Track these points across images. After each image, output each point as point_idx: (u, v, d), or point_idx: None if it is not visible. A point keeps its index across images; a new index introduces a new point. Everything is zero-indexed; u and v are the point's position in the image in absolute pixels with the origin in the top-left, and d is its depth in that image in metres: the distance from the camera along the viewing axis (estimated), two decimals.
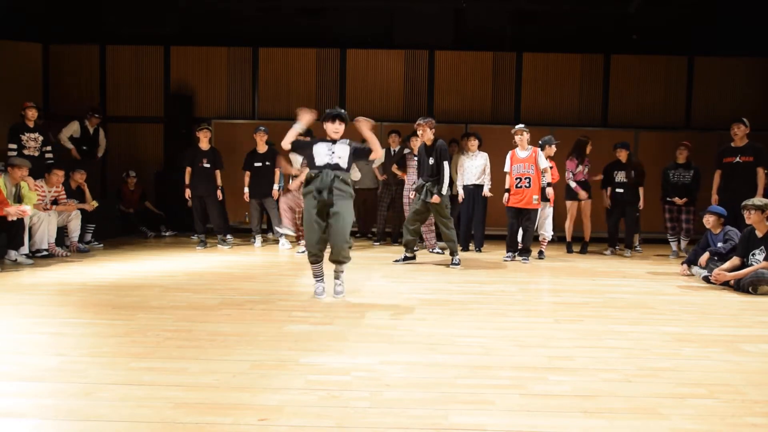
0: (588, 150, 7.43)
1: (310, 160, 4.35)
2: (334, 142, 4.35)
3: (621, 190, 7.31)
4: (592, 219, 7.67)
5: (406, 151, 7.70)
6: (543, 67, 9.61)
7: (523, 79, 9.62)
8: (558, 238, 9.08)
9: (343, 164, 4.31)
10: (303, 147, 4.46)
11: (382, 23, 9.45)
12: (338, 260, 4.35)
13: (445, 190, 6.01)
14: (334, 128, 4.34)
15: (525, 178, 6.56)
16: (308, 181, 4.28)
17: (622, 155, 7.35)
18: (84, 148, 8.23)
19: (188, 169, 7.42)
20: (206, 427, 2.12)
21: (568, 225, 7.66)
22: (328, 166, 4.24)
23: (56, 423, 2.14)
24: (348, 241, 4.30)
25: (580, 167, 7.43)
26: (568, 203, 7.55)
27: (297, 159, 6.84)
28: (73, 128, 8.17)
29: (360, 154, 4.44)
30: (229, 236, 7.74)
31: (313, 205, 4.20)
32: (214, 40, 9.68)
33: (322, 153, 4.30)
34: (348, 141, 4.42)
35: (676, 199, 7.43)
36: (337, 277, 4.49)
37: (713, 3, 8.85)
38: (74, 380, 2.56)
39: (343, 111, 4.38)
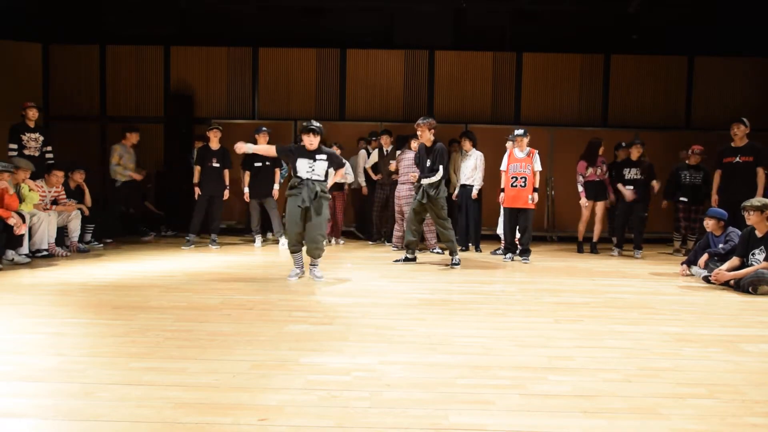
0: (600, 152, 7.41)
1: (293, 170, 5.13)
2: (313, 158, 5.08)
3: (631, 187, 7.25)
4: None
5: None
6: (543, 67, 9.60)
7: (523, 79, 9.61)
8: (559, 238, 9.09)
9: (321, 177, 5.13)
10: (288, 156, 5.22)
11: (382, 23, 9.43)
12: (313, 254, 5.11)
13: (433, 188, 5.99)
14: (309, 140, 5.07)
15: (520, 178, 6.60)
16: (292, 186, 5.07)
17: (634, 153, 7.29)
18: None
19: (197, 168, 7.43)
20: (206, 427, 2.12)
21: (581, 226, 7.63)
22: (309, 180, 5.03)
23: (56, 423, 2.14)
24: (323, 235, 5.14)
25: (591, 169, 7.41)
26: (583, 203, 7.47)
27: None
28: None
29: (333, 163, 5.27)
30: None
31: (296, 207, 4.98)
32: (214, 40, 9.67)
33: (303, 168, 5.07)
34: (324, 155, 5.17)
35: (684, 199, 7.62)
36: (314, 265, 5.20)
37: (713, 3, 8.83)
38: (74, 380, 2.56)
39: (316, 125, 5.11)
